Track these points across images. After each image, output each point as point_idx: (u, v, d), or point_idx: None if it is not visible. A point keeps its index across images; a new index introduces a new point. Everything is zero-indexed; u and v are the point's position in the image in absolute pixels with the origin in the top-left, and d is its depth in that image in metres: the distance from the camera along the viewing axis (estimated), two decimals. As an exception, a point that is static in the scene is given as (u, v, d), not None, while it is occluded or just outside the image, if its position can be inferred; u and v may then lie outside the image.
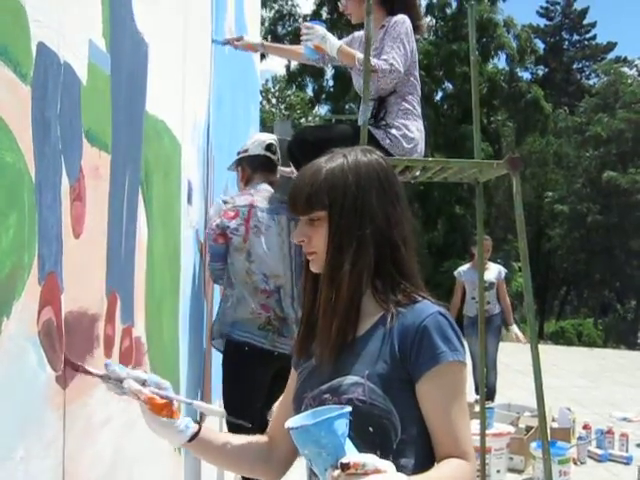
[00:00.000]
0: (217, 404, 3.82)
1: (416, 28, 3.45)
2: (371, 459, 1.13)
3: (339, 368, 1.39)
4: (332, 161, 1.45)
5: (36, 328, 1.24)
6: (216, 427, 3.88)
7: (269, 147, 3.62)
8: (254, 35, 6.67)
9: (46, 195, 1.29)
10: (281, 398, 1.65)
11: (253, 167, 3.59)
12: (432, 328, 1.35)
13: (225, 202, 3.44)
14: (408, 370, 1.34)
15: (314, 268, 1.46)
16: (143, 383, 1.43)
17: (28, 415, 1.22)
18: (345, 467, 1.11)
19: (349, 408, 1.18)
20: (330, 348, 1.40)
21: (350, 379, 1.36)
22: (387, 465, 1.14)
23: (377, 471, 1.12)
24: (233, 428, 3.36)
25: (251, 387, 3.37)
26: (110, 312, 1.72)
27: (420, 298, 1.41)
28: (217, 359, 3.84)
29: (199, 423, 1.51)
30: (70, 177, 1.42)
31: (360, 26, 3.51)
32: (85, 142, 1.52)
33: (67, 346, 1.39)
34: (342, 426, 1.14)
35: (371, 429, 1.33)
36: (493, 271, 7.51)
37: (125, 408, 1.85)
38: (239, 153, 3.68)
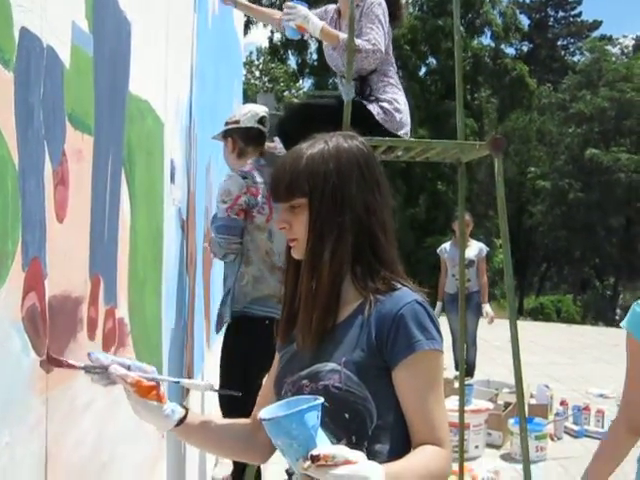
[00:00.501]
0: (199, 378, 3.84)
1: (396, 17, 3.46)
2: (341, 450, 1.14)
3: (318, 354, 1.41)
4: (313, 147, 1.45)
5: (20, 314, 1.24)
6: (198, 407, 3.91)
7: (261, 120, 3.61)
8: None
9: (29, 181, 1.29)
10: (265, 381, 1.67)
11: (246, 140, 3.58)
12: (409, 317, 1.36)
13: (244, 177, 3.41)
14: (385, 358, 1.36)
15: (296, 255, 1.47)
16: (128, 368, 1.43)
17: (12, 400, 1.22)
18: (315, 458, 1.12)
19: (321, 400, 1.19)
20: (311, 335, 1.42)
21: (328, 366, 1.38)
22: (358, 455, 1.16)
23: (347, 462, 1.13)
24: (225, 405, 3.40)
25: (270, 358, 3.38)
26: (93, 294, 1.72)
27: (399, 286, 1.42)
28: (199, 337, 3.86)
29: (186, 408, 1.52)
30: (53, 162, 1.41)
31: (330, 1, 3.52)
32: (68, 125, 1.52)
33: (51, 330, 1.40)
34: (313, 418, 1.16)
35: (347, 415, 1.35)
36: (474, 249, 7.56)
37: (109, 390, 1.86)
38: (227, 123, 3.65)
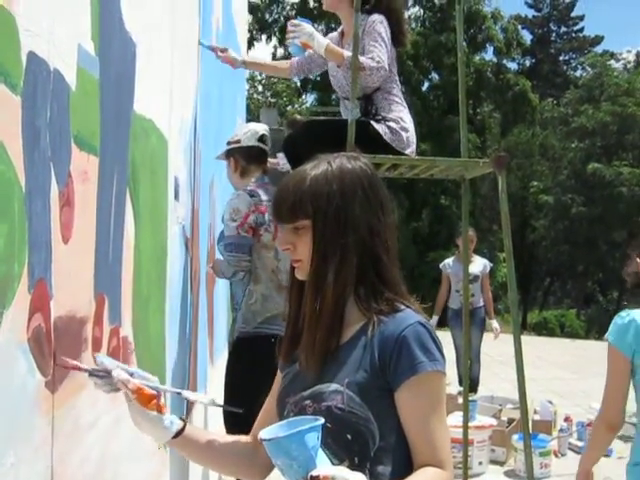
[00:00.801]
0: (203, 392, 3.83)
1: (399, 41, 3.47)
2: (341, 472, 1.15)
3: (321, 375, 1.41)
4: (317, 168, 1.45)
5: (26, 335, 1.25)
6: (202, 423, 3.91)
7: (262, 138, 3.63)
8: (241, 18, 6.65)
9: (36, 203, 1.30)
10: (266, 403, 1.67)
11: (247, 159, 3.59)
12: (411, 338, 1.36)
13: (252, 195, 3.42)
14: (387, 379, 1.36)
15: (300, 275, 1.47)
16: (131, 375, 1.44)
17: (18, 421, 1.23)
18: (315, 479, 1.13)
19: (322, 420, 1.20)
20: (314, 355, 1.42)
21: (330, 387, 1.38)
22: (358, 477, 1.16)
23: None
24: (229, 420, 3.39)
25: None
26: (98, 314, 1.73)
27: (402, 307, 1.43)
28: (202, 354, 3.86)
29: (184, 420, 1.52)
30: (59, 183, 1.43)
31: (333, 17, 3.56)
32: (74, 147, 1.53)
33: (56, 351, 1.41)
34: (313, 439, 1.16)
35: (349, 436, 1.35)
36: (478, 264, 7.56)
37: (112, 407, 1.87)
38: (229, 143, 3.67)
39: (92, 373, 1.43)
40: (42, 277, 1.33)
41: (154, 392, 1.43)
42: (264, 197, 3.44)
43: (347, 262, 1.41)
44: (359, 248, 1.41)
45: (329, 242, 1.41)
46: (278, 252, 3.38)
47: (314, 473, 1.13)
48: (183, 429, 1.49)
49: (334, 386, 1.37)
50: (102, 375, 1.42)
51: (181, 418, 1.52)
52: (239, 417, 1.70)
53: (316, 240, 1.41)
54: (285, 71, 3.82)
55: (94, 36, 1.69)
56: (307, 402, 1.40)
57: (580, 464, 2.65)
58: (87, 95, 1.63)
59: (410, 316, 1.40)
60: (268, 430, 1.22)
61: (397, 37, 3.44)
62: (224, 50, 3.83)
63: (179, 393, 1.56)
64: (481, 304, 7.59)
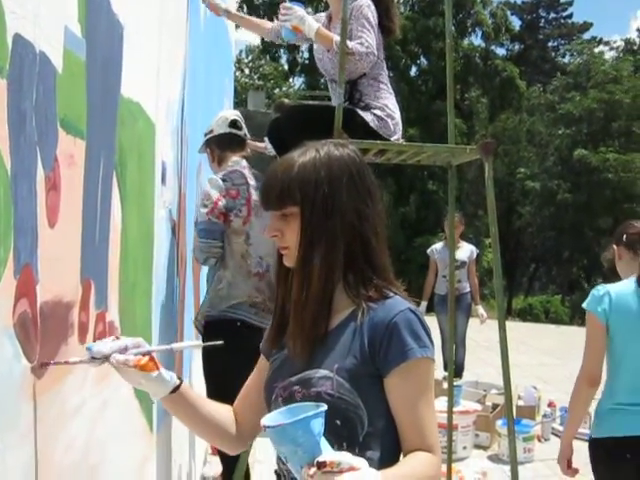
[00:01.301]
0: (187, 381, 3.85)
1: (388, 30, 3.46)
2: (345, 457, 1.16)
3: (310, 361, 1.42)
4: (304, 155, 1.46)
5: (12, 321, 1.24)
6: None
7: (233, 124, 3.59)
8: (230, 5, 6.60)
9: (21, 187, 1.29)
10: (248, 380, 1.68)
11: (221, 146, 3.58)
12: (402, 325, 1.37)
13: (224, 180, 3.40)
14: (377, 365, 1.37)
15: (287, 262, 1.48)
16: (125, 348, 1.47)
17: (3, 407, 1.22)
18: (321, 465, 1.14)
19: (325, 407, 1.21)
20: (302, 341, 1.43)
21: (320, 372, 1.39)
22: (361, 462, 1.18)
23: (352, 468, 1.15)
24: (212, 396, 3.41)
25: (243, 359, 3.43)
26: (84, 299, 1.72)
27: (391, 294, 1.44)
28: (189, 338, 3.86)
29: (180, 379, 1.55)
30: (45, 167, 1.41)
31: (321, 0, 3.54)
32: (60, 130, 1.52)
33: (42, 336, 1.40)
34: (318, 425, 1.17)
35: (338, 422, 1.36)
36: (465, 250, 7.60)
37: (97, 391, 1.87)
38: (206, 135, 3.67)
39: (91, 363, 1.47)
40: (28, 262, 1.32)
41: (148, 357, 1.47)
42: (238, 181, 3.42)
43: (334, 248, 1.41)
44: (347, 235, 1.42)
45: (316, 228, 1.41)
46: (249, 237, 3.37)
47: (321, 459, 1.14)
48: (179, 387, 1.53)
49: (323, 372, 1.38)
50: (100, 361, 1.45)
51: (178, 377, 1.55)
52: (220, 396, 1.75)
53: (304, 227, 1.42)
54: (264, 31, 3.79)
55: (81, 18, 1.66)
56: (296, 387, 1.41)
57: (565, 430, 3.15)
58: (73, 78, 1.61)
59: (400, 303, 1.41)
60: (270, 417, 1.23)
61: (387, 26, 3.42)
62: None
63: (170, 349, 1.63)
64: (467, 290, 7.63)
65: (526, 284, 34.09)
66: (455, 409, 4.90)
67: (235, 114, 3.68)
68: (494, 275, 3.65)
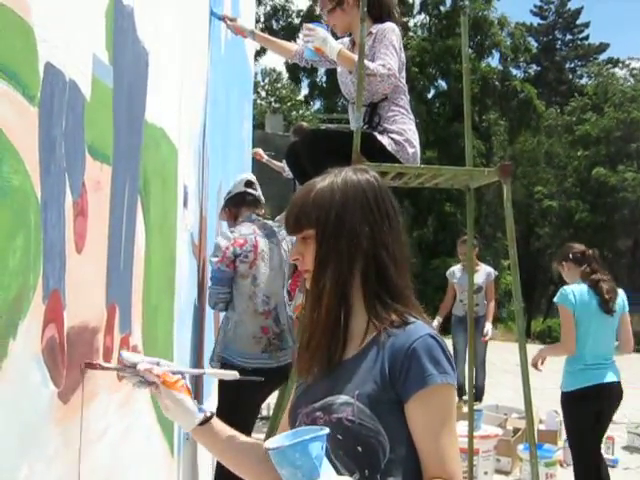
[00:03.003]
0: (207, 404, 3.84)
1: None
2: None
3: (332, 386, 1.42)
4: (323, 181, 1.49)
5: (40, 346, 1.25)
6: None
7: (249, 184, 3.77)
8: (248, 24, 6.66)
9: (51, 214, 1.31)
10: (286, 411, 1.68)
11: (237, 204, 3.77)
12: (421, 351, 1.36)
13: (232, 231, 3.62)
14: (397, 391, 1.36)
15: (308, 285, 1.49)
16: (157, 364, 1.50)
17: (31, 433, 1.23)
18: None
19: (326, 430, 1.21)
20: (318, 366, 1.44)
21: (341, 398, 1.38)
22: None
23: None
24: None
25: (254, 406, 3.62)
26: (109, 323, 1.73)
27: (412, 319, 1.43)
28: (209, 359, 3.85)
29: (212, 413, 1.55)
30: (73, 193, 1.43)
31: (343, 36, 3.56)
32: (88, 157, 1.54)
33: (68, 360, 1.41)
34: (317, 448, 1.17)
35: (360, 448, 1.35)
36: (481, 274, 7.52)
37: (122, 416, 1.87)
38: (224, 199, 3.85)
39: (119, 370, 1.51)
40: (56, 287, 1.33)
41: (179, 376, 1.50)
42: (245, 231, 3.61)
43: (345, 270, 1.42)
44: (362, 259, 1.42)
45: (329, 251, 1.43)
46: (256, 278, 3.55)
47: None
48: (210, 418, 1.53)
49: (344, 398, 1.38)
50: (129, 371, 1.49)
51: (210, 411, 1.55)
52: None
53: (318, 249, 1.44)
54: (289, 53, 3.83)
55: (108, 45, 1.69)
56: (318, 414, 1.40)
57: (544, 352, 4.69)
58: (101, 105, 1.64)
59: (421, 328, 1.40)
60: (274, 440, 1.23)
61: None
62: (233, 19, 3.89)
63: (203, 373, 1.68)
64: (484, 313, 7.56)
65: (545, 306, 33.81)
66: (476, 433, 4.85)
67: (250, 175, 3.91)
68: (514, 298, 3.63)
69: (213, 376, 1.64)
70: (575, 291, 4.14)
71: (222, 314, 3.73)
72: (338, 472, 1.21)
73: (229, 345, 3.50)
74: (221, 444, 1.55)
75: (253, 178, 3.84)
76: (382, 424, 1.35)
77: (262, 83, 32.96)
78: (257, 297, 3.54)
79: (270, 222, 3.89)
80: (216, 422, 1.54)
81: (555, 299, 4.22)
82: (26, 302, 1.19)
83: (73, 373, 1.45)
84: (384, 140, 3.35)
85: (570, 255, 4.35)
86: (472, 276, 4.48)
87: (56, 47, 1.32)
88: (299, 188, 1.59)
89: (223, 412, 3.38)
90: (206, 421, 1.52)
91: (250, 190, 3.76)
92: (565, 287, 4.22)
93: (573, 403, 4.21)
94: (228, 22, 3.85)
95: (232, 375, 1.66)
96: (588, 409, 4.12)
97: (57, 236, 1.34)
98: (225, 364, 3.46)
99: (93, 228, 1.57)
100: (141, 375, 1.48)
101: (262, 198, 3.88)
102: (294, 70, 28.65)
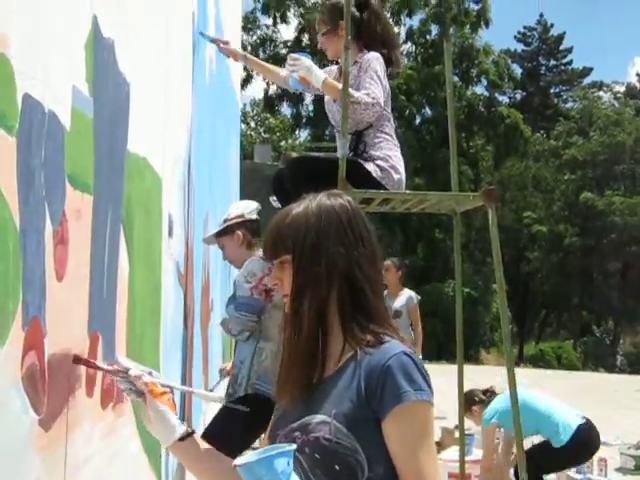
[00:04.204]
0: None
1: (392, 61, 3.53)
2: None
3: (309, 406, 1.42)
4: (299, 206, 1.51)
5: (20, 373, 1.26)
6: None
7: (260, 213, 3.69)
8: (233, 63, 6.72)
9: (30, 241, 1.32)
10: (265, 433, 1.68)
11: (252, 232, 3.60)
12: (396, 368, 1.37)
13: (265, 259, 3.46)
14: (373, 409, 1.37)
15: (287, 310, 1.50)
16: (150, 373, 1.52)
17: (12, 462, 1.23)
18: None
19: (293, 446, 1.22)
20: (298, 387, 1.45)
21: (318, 418, 1.39)
22: None
23: None
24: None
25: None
26: (92, 350, 1.74)
27: (387, 338, 1.44)
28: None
29: (193, 429, 1.55)
30: (53, 222, 1.45)
31: (334, 61, 3.60)
32: (68, 186, 1.56)
33: (49, 388, 1.41)
34: (282, 464, 1.18)
35: (337, 467, 1.35)
36: (401, 299, 6.98)
37: (106, 445, 1.87)
38: (227, 220, 3.65)
39: (113, 372, 1.51)
40: (36, 315, 1.34)
41: (166, 389, 1.52)
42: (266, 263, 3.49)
43: (322, 294, 1.44)
44: (337, 280, 1.44)
45: (305, 275, 1.45)
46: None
47: None
48: (190, 435, 1.53)
49: (321, 417, 1.38)
50: (122, 375, 1.50)
51: (189, 427, 1.56)
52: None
53: (294, 273, 1.46)
54: (280, 78, 3.86)
55: (88, 77, 1.72)
56: (296, 434, 1.41)
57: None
58: (81, 135, 1.66)
59: (395, 346, 1.42)
60: (243, 457, 1.23)
61: (388, 54, 3.49)
62: (226, 42, 3.89)
63: (192, 392, 1.68)
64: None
65: (537, 330, 33.82)
66: (467, 458, 4.83)
67: (258, 204, 3.77)
68: (501, 321, 3.65)
69: (200, 397, 1.65)
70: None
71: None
72: None
73: (266, 376, 3.34)
74: (199, 462, 1.55)
75: (259, 206, 3.73)
76: (360, 443, 1.35)
77: (251, 113, 33.13)
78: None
79: None
80: (196, 439, 1.55)
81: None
82: (5, 329, 1.20)
83: (55, 400, 1.45)
84: (369, 167, 3.38)
85: (476, 399, 4.79)
86: (461, 298, 4.49)
87: (34, 78, 1.34)
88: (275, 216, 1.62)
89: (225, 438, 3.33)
90: (186, 437, 1.52)
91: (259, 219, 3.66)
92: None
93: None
94: (222, 46, 3.88)
95: (219, 399, 1.67)
96: None
97: (37, 263, 1.35)
98: (260, 394, 3.32)
99: (74, 256, 1.58)
100: (131, 381, 1.49)
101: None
102: (271, 101, 28.85)
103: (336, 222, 1.47)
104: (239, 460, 1.21)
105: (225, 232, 3.63)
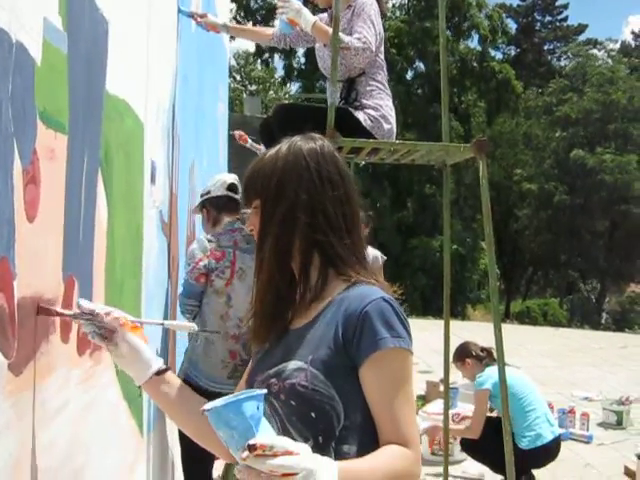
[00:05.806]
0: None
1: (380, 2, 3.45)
2: (281, 441, 1.13)
3: (286, 353, 1.40)
4: (272, 150, 1.49)
5: (-14, 315, 1.21)
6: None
7: (231, 187, 3.55)
8: (223, 6, 6.57)
9: (-4, 179, 1.26)
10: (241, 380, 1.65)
11: (218, 208, 3.54)
12: (374, 314, 1.33)
13: (210, 240, 3.35)
14: (351, 356, 1.34)
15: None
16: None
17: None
18: (252, 448, 1.10)
19: (263, 391, 1.20)
20: (271, 332, 1.45)
21: (294, 364, 1.36)
22: (301, 448, 1.14)
23: (287, 452, 1.11)
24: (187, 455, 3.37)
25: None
26: (67, 296, 1.69)
27: (366, 284, 1.41)
28: (181, 341, 3.82)
29: (168, 366, 1.53)
30: (23, 160, 1.38)
31: (325, 9, 3.51)
32: (40, 123, 1.49)
33: (20, 332, 1.37)
34: (252, 408, 1.15)
35: (313, 414, 1.32)
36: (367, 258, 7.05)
37: (82, 392, 1.83)
38: (202, 195, 3.62)
39: (76, 317, 1.47)
40: (4, 255, 1.29)
41: (137, 324, 1.49)
42: (224, 243, 3.33)
43: (283, 238, 1.42)
44: (299, 226, 1.41)
45: (270, 217, 1.43)
46: (231, 299, 3.28)
47: (251, 442, 1.11)
48: (165, 371, 1.51)
49: (297, 363, 1.35)
50: (87, 317, 1.46)
51: (165, 364, 1.53)
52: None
53: (261, 217, 1.45)
54: (267, 37, 3.77)
55: (61, 11, 1.64)
56: (272, 380, 1.38)
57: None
58: (54, 70, 1.58)
59: (374, 292, 1.38)
60: (212, 402, 1.20)
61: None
62: (203, 15, 3.77)
63: (161, 324, 1.65)
64: None
65: (524, 288, 34.07)
66: (451, 411, 4.87)
67: (234, 178, 3.62)
68: (489, 275, 3.63)
69: (171, 327, 1.62)
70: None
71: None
72: (292, 439, 1.18)
73: (197, 364, 3.29)
74: (171, 399, 1.52)
75: (236, 180, 3.59)
76: (336, 390, 1.32)
77: (236, 66, 32.65)
78: (230, 319, 3.28)
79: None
80: (171, 375, 1.52)
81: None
82: (-32, 269, 1.15)
83: (26, 345, 1.41)
84: (359, 116, 3.32)
85: (473, 353, 4.75)
86: (449, 253, 4.46)
87: (1, 8, 1.27)
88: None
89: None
90: (162, 372, 1.50)
91: (232, 194, 3.53)
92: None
93: None
94: (198, 20, 3.76)
95: (191, 327, 1.64)
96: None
97: (4, 202, 1.29)
98: (189, 383, 3.32)
99: (47, 197, 1.52)
100: (97, 324, 1.45)
101: (243, 200, 3.71)
102: (262, 53, 28.45)
103: (301, 166, 1.44)
104: (208, 405, 1.17)
105: (200, 208, 3.61)
